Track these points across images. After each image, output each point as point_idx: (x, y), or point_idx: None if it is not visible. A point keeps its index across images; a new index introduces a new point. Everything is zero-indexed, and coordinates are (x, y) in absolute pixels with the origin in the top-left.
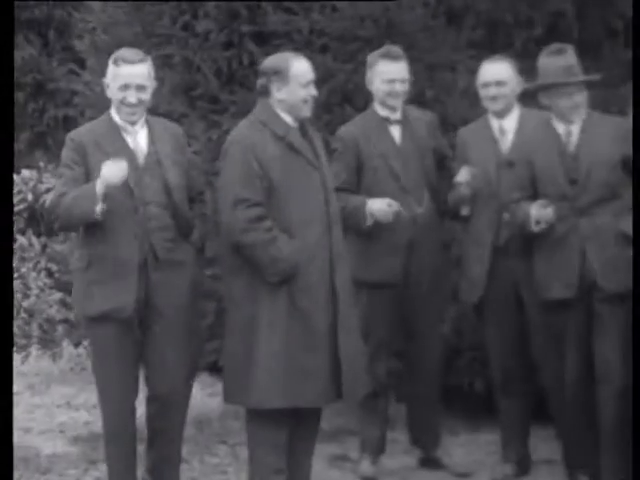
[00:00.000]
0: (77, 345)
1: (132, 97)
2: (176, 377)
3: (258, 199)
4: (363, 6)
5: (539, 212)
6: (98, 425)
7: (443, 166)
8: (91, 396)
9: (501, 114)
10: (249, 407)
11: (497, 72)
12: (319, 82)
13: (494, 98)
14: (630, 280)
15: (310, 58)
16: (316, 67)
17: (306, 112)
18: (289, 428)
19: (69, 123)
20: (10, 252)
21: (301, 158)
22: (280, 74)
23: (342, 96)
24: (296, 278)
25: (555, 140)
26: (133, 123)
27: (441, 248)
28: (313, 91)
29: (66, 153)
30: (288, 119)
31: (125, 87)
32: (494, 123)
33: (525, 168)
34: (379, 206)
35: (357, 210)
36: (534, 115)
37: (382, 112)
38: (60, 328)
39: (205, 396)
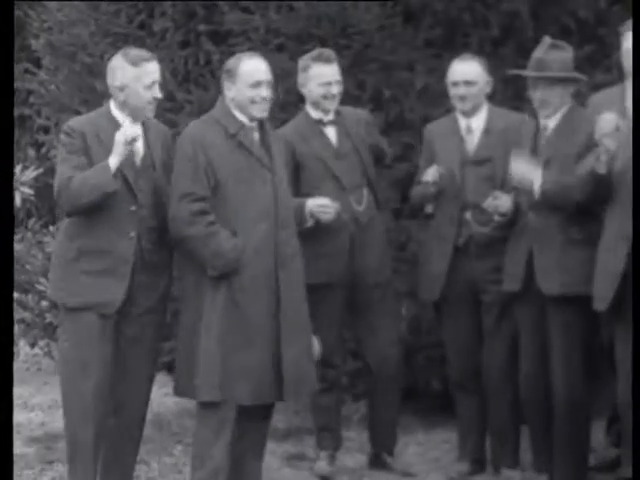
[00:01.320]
0: (33, 345)
1: (158, 93)
2: (141, 377)
3: (203, 194)
4: (320, 6)
5: (489, 203)
6: (54, 425)
7: (381, 163)
8: (47, 397)
9: (469, 113)
10: (191, 398)
11: (466, 71)
12: (275, 81)
13: (462, 97)
14: (574, 284)
15: (266, 57)
16: (272, 66)
17: (257, 112)
18: (233, 426)
19: (25, 122)
20: (10, 254)
21: (251, 157)
22: (229, 73)
23: (298, 95)
24: (237, 275)
25: (529, 137)
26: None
27: (387, 244)
28: (263, 92)
29: (69, 140)
30: (243, 118)
31: (153, 84)
32: (462, 122)
33: (491, 167)
34: (318, 206)
35: (297, 211)
36: (503, 115)
37: (315, 114)
38: (16, 328)
39: (162, 396)
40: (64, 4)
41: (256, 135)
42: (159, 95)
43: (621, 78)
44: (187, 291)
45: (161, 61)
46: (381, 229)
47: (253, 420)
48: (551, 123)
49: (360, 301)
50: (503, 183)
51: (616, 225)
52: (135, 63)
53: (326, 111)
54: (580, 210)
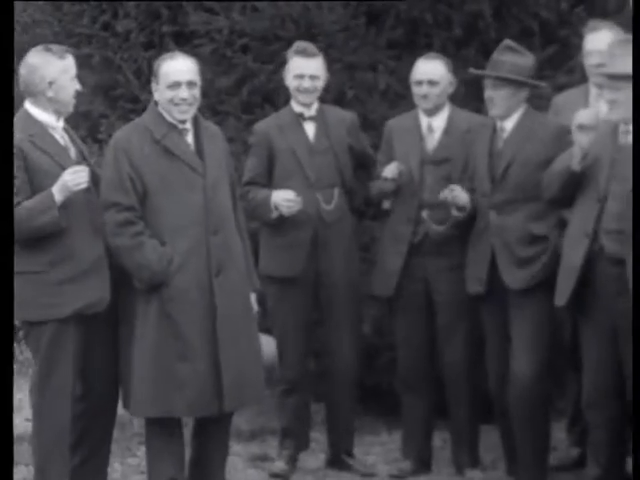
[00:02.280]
0: None
1: (79, 85)
2: (112, 376)
3: (129, 203)
4: (283, 6)
5: (445, 194)
6: (16, 427)
7: (364, 165)
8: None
9: (431, 112)
10: (131, 414)
11: (430, 71)
12: (239, 82)
13: (425, 96)
14: (537, 276)
15: (231, 58)
16: (236, 67)
17: (177, 114)
18: (181, 437)
19: None
20: (11, 257)
21: (179, 162)
22: (154, 74)
23: (262, 96)
24: (166, 286)
25: (487, 138)
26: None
27: (354, 247)
28: (182, 93)
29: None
30: (171, 120)
31: (74, 77)
32: (423, 120)
33: (449, 167)
34: (281, 198)
35: (263, 202)
36: (464, 116)
37: (297, 108)
38: None
39: None
40: (28, 4)
41: (189, 137)
42: (80, 87)
43: (584, 79)
44: (122, 302)
45: (125, 62)
46: (349, 231)
47: (212, 426)
48: (507, 125)
49: (324, 301)
50: (461, 184)
51: (579, 222)
52: (61, 56)
53: (305, 105)
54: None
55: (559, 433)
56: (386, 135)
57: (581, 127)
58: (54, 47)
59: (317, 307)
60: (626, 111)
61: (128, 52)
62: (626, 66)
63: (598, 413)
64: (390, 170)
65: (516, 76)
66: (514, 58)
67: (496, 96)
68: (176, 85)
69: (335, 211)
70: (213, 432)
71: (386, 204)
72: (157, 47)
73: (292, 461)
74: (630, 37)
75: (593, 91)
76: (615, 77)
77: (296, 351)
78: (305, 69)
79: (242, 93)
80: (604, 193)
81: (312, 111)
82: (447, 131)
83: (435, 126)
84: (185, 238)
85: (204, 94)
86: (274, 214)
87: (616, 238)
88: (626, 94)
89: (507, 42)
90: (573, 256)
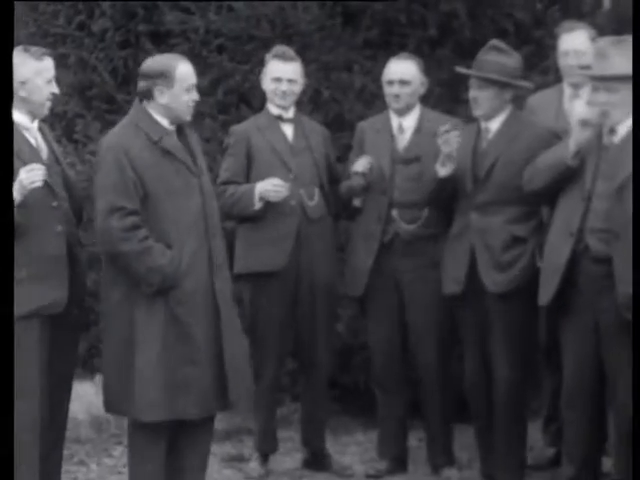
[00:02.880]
0: None
1: (56, 88)
2: (68, 380)
3: (133, 207)
4: (259, 6)
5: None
6: None
7: (334, 184)
8: None
9: (402, 112)
10: (131, 417)
11: (402, 71)
12: (215, 82)
13: (396, 96)
14: (516, 279)
15: (206, 58)
16: (212, 67)
17: (188, 117)
18: (168, 440)
19: None
20: (11, 253)
21: (177, 164)
22: (165, 77)
23: (238, 96)
24: (174, 288)
25: (470, 138)
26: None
27: (334, 246)
28: (195, 95)
29: None
30: (165, 123)
31: (51, 80)
32: (394, 120)
33: (419, 167)
34: (269, 184)
35: (246, 194)
36: (434, 117)
37: (274, 110)
38: None
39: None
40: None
41: (176, 140)
42: (57, 90)
43: (558, 79)
44: (114, 306)
45: (100, 62)
46: (330, 230)
47: (194, 434)
48: (492, 126)
49: (302, 299)
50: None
51: (563, 221)
52: (38, 57)
53: (282, 108)
54: (530, 199)
55: (534, 433)
56: (357, 136)
57: (584, 122)
58: (33, 48)
59: (295, 305)
60: (622, 113)
61: (104, 52)
62: (622, 67)
63: (577, 411)
64: (361, 164)
65: (500, 76)
66: (500, 58)
67: (480, 96)
68: (193, 88)
69: (317, 208)
70: (197, 435)
71: (356, 202)
72: (133, 47)
73: (266, 462)
74: (621, 38)
75: (567, 91)
76: (611, 79)
77: (276, 349)
78: (283, 73)
79: (218, 93)
80: (589, 192)
81: (290, 114)
82: (417, 131)
83: (406, 126)
84: (190, 241)
85: None
86: (257, 205)
87: (601, 237)
88: (622, 96)
89: (493, 42)
90: (557, 255)
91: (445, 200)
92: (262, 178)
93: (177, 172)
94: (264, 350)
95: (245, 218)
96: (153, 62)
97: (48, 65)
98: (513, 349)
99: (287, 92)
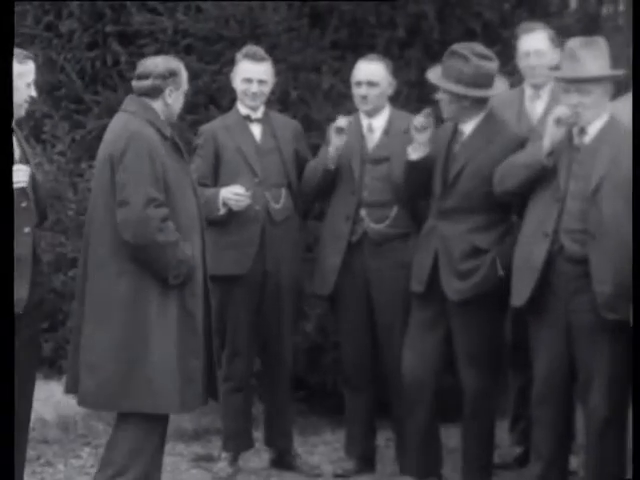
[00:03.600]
0: None
1: (34, 92)
2: (33, 376)
3: (163, 199)
4: (227, 7)
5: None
6: None
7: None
8: None
9: (371, 113)
10: (139, 411)
11: (370, 72)
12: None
13: (364, 98)
14: (476, 287)
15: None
16: None
17: (175, 118)
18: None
19: None
20: (10, 253)
21: (183, 161)
22: (176, 78)
23: (207, 97)
24: (190, 281)
25: (445, 138)
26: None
27: (300, 248)
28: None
29: None
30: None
31: (31, 83)
32: (364, 120)
33: (388, 167)
34: (230, 192)
35: (211, 199)
36: (403, 117)
37: (243, 110)
38: None
39: (69, 397)
40: None
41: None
42: (35, 94)
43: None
44: (119, 300)
45: (68, 62)
46: (296, 231)
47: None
48: (466, 129)
49: (267, 300)
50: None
51: (536, 222)
52: (20, 60)
53: (252, 108)
54: (497, 205)
55: (501, 432)
56: (329, 136)
57: (559, 121)
58: (17, 51)
59: (260, 306)
60: (593, 114)
61: (72, 52)
62: (593, 69)
63: (546, 410)
64: (341, 121)
65: (457, 84)
66: (459, 65)
67: (442, 101)
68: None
69: (283, 210)
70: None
71: (331, 165)
72: (101, 47)
73: (235, 462)
74: (591, 39)
75: (528, 92)
76: (582, 80)
77: (244, 350)
78: (253, 73)
79: (186, 93)
80: (563, 193)
81: (258, 114)
82: (387, 131)
83: (375, 126)
84: (196, 235)
85: None
86: (222, 211)
87: (576, 238)
88: (593, 97)
89: (456, 46)
90: (532, 256)
91: (417, 198)
92: (228, 180)
93: (183, 168)
94: (233, 351)
95: (212, 221)
96: (164, 62)
97: (30, 68)
98: (479, 359)
99: (257, 93)
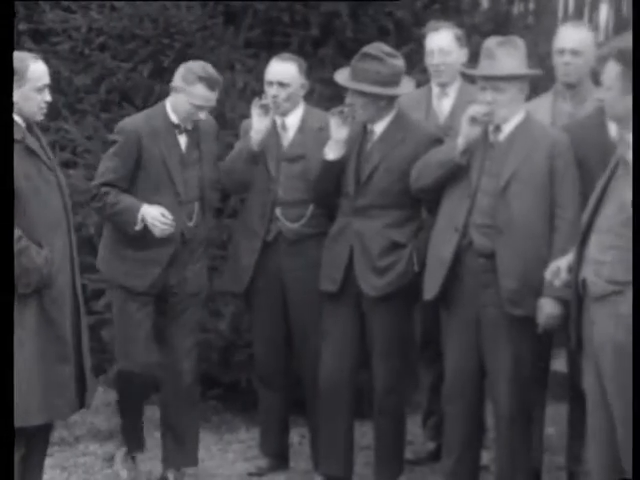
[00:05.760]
0: None
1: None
2: None
3: None
4: (141, 5)
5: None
6: None
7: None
8: None
9: (284, 112)
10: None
11: (281, 73)
12: (97, 80)
13: (275, 98)
14: (392, 283)
15: (88, 56)
16: (94, 66)
17: (39, 117)
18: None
19: None
20: (10, 253)
21: (38, 161)
22: (16, 76)
23: (121, 94)
24: (48, 288)
25: (356, 139)
26: None
27: (205, 257)
28: (47, 97)
29: None
30: (19, 120)
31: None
32: (277, 119)
33: (304, 165)
34: (153, 216)
35: (129, 211)
36: (318, 115)
37: (174, 118)
38: None
39: None
40: None
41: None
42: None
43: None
44: None
45: None
46: (203, 243)
47: (40, 435)
48: (377, 129)
49: (168, 309)
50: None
51: (448, 217)
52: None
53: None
54: (412, 201)
55: (414, 427)
56: (243, 135)
57: (473, 120)
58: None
59: (162, 313)
60: (508, 112)
61: None
62: (508, 67)
63: (457, 405)
64: (264, 99)
65: (372, 86)
66: (373, 66)
67: (355, 103)
68: (45, 87)
69: (194, 228)
70: (40, 438)
71: (256, 147)
72: (14, 45)
73: (134, 464)
74: (507, 38)
75: (435, 90)
76: (498, 79)
77: (142, 358)
78: (207, 102)
79: (100, 91)
80: (475, 189)
81: (189, 125)
82: (301, 129)
83: (289, 124)
84: (56, 239)
85: (62, 92)
86: (139, 227)
87: (485, 232)
88: (509, 95)
89: (368, 48)
90: (442, 250)
91: (329, 196)
92: (149, 193)
93: (39, 170)
94: (131, 360)
95: (119, 229)
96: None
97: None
98: (391, 352)
99: (201, 118)
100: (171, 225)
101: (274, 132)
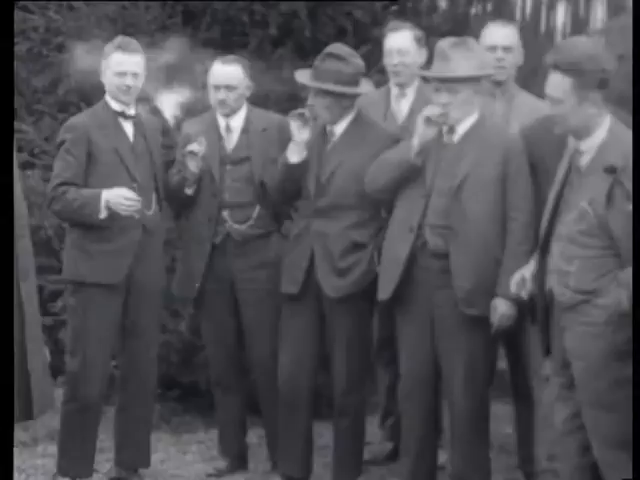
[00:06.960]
0: None
1: None
2: None
3: None
4: (100, 5)
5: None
6: None
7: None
8: None
9: (229, 115)
10: None
11: (227, 76)
12: (55, 81)
13: (222, 102)
14: (353, 284)
15: (47, 57)
16: (52, 66)
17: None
18: None
19: None
20: (10, 254)
21: None
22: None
23: (78, 95)
24: None
25: (316, 140)
26: None
27: (163, 254)
28: None
29: None
30: None
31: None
32: (221, 121)
33: (249, 166)
34: (116, 195)
35: (91, 201)
36: (262, 115)
37: (115, 106)
38: None
39: None
40: None
41: None
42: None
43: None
44: None
45: None
46: (162, 238)
47: None
48: (337, 130)
49: (131, 308)
50: (261, 182)
51: (403, 217)
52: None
53: (125, 103)
54: (371, 201)
55: (372, 428)
56: (183, 136)
57: (428, 121)
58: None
59: (122, 313)
60: (462, 113)
61: None
62: (462, 69)
63: (413, 405)
64: (196, 146)
65: (336, 86)
66: (336, 66)
67: (318, 104)
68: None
69: (154, 217)
70: None
71: (189, 190)
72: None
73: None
74: (461, 39)
75: (394, 91)
76: (452, 80)
77: (103, 360)
78: (127, 66)
79: (58, 92)
80: (429, 189)
81: (132, 110)
82: (245, 130)
83: (233, 126)
84: None
85: (20, 93)
86: (103, 214)
87: (439, 233)
88: (462, 96)
89: (330, 48)
90: (397, 250)
91: (291, 199)
92: (104, 183)
93: None
94: (89, 362)
95: (83, 224)
96: None
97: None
98: (350, 353)
99: (132, 87)
100: (136, 201)
101: (216, 134)
